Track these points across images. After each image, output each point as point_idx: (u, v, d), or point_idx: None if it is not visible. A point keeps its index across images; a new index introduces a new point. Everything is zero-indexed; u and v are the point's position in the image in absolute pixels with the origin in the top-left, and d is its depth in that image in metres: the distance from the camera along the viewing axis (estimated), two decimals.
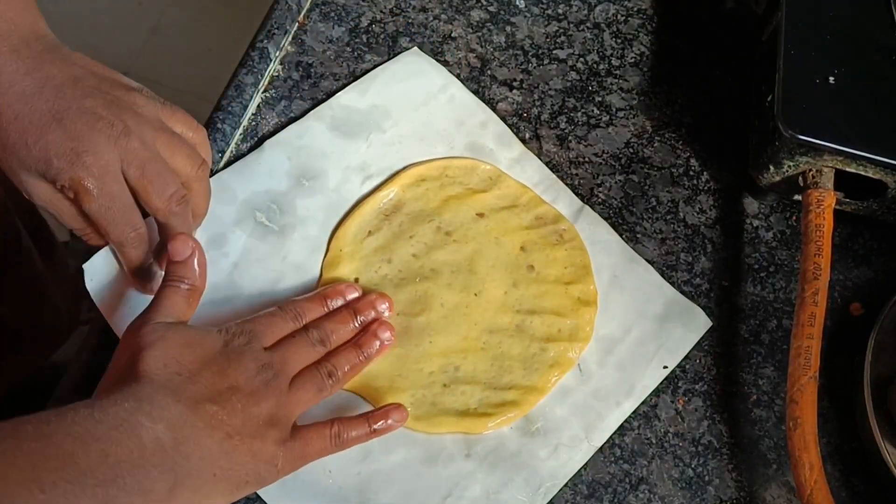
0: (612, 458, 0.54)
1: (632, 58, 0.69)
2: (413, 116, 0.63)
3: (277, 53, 0.64)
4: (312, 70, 0.64)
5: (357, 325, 0.53)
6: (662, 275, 0.60)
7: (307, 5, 0.66)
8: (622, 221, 0.62)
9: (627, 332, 0.57)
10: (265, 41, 0.63)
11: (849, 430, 0.57)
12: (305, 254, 0.57)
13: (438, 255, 0.58)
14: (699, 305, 0.59)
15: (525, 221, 0.59)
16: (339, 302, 0.54)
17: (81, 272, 0.53)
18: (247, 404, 0.45)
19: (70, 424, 0.40)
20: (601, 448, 0.54)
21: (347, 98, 0.62)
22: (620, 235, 0.61)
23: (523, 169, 0.62)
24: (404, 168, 0.61)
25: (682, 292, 0.60)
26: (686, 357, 0.58)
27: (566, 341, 0.56)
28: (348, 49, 0.65)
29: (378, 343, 0.53)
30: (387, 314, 0.55)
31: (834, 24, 0.60)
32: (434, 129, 0.62)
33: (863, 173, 0.57)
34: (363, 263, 0.57)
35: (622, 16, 0.71)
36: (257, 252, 0.56)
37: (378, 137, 0.61)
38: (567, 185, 0.62)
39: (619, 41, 0.69)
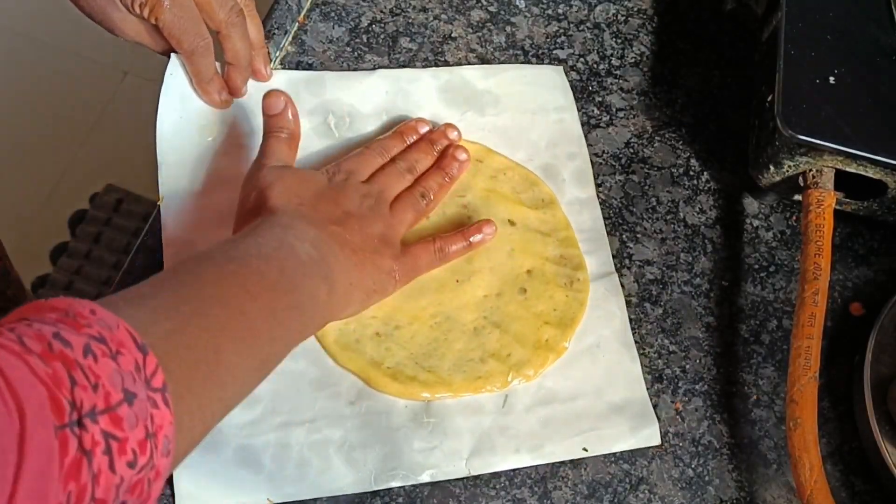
0: (612, 458, 0.54)
1: (632, 58, 0.69)
2: (516, 117, 0.64)
3: (277, 53, 0.64)
4: (313, 70, 0.64)
5: (436, 152, 0.59)
6: (663, 275, 0.60)
7: (307, 5, 0.66)
8: (622, 221, 0.62)
9: (573, 398, 0.55)
10: (265, 41, 0.63)
11: (849, 430, 0.57)
12: None
13: (448, 227, 0.58)
14: (697, 307, 0.59)
15: (549, 252, 0.59)
16: (415, 136, 0.59)
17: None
18: (361, 226, 0.52)
19: (247, 252, 0.46)
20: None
21: (471, 74, 0.65)
22: (620, 235, 0.61)
23: (580, 212, 0.61)
24: (475, 142, 0.62)
25: (682, 292, 0.60)
26: (686, 357, 0.58)
27: (506, 367, 0.54)
28: (348, 49, 0.65)
29: (457, 164, 0.59)
30: (457, 139, 0.60)
31: (834, 24, 0.60)
32: (527, 137, 0.63)
33: (863, 173, 0.57)
34: None
35: (622, 16, 0.71)
36: (309, 143, 0.59)
37: (474, 117, 0.63)
38: None
39: (619, 41, 0.69)
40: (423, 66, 0.65)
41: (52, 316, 0.33)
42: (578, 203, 0.61)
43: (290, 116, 0.56)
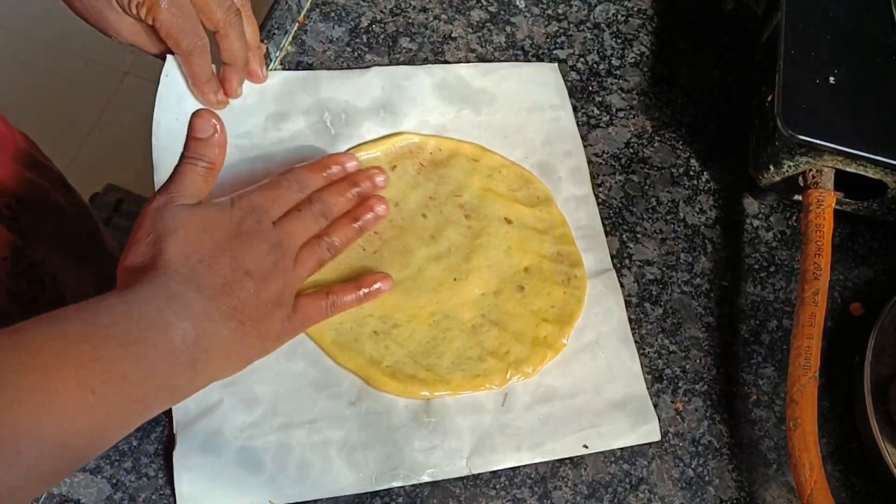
0: (612, 458, 0.54)
1: (632, 58, 0.69)
2: (512, 115, 0.64)
3: (277, 54, 0.64)
4: (312, 70, 0.64)
5: (355, 194, 0.56)
6: (662, 275, 0.60)
7: (307, 5, 0.66)
8: (622, 221, 0.62)
9: (573, 395, 0.55)
10: (265, 41, 0.63)
11: (849, 430, 0.57)
12: None
13: (446, 227, 0.58)
14: (697, 307, 0.59)
15: (546, 250, 0.59)
16: (337, 170, 0.56)
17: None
18: (258, 289, 0.48)
19: (109, 326, 0.42)
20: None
21: (466, 72, 0.65)
22: (620, 235, 0.61)
23: (577, 209, 0.61)
24: (470, 142, 0.62)
25: (682, 292, 0.60)
26: (686, 357, 0.58)
27: (505, 365, 0.54)
28: (348, 49, 0.65)
29: (372, 215, 0.55)
30: (382, 187, 0.57)
31: (834, 24, 0.60)
32: (522, 135, 0.63)
33: (863, 173, 0.57)
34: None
35: (622, 16, 0.71)
36: (305, 142, 0.60)
37: (469, 115, 0.63)
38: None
39: (619, 41, 0.69)
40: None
41: None
42: (575, 200, 0.61)
43: (216, 145, 0.50)
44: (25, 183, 0.68)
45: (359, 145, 0.60)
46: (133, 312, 0.44)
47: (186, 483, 0.49)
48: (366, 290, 0.54)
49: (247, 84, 0.60)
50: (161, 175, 0.57)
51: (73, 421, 0.40)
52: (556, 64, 0.67)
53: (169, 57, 0.58)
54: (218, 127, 0.50)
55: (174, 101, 0.58)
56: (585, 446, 0.53)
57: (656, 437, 0.54)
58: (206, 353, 0.46)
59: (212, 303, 0.46)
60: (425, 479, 0.51)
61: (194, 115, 0.50)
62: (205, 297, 0.46)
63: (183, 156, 0.50)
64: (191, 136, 0.50)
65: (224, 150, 0.51)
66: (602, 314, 0.57)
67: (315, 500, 0.50)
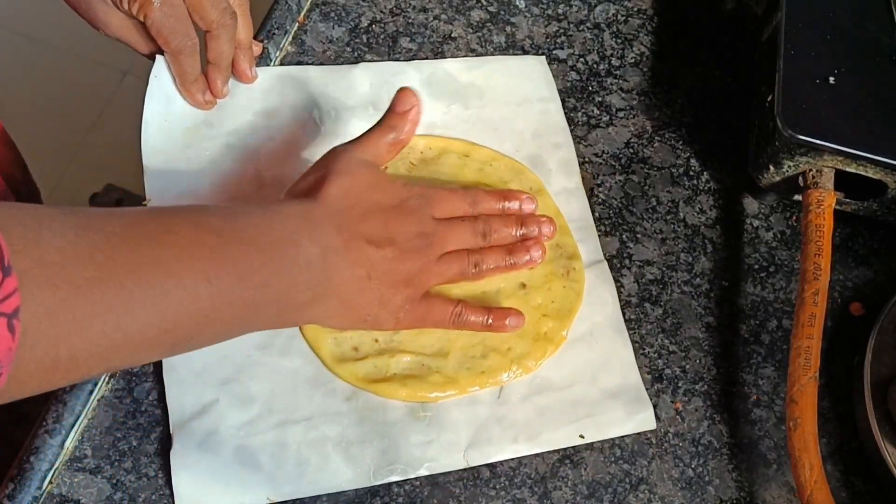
0: (612, 458, 0.54)
1: (632, 58, 0.69)
2: (501, 109, 0.64)
3: (277, 53, 0.64)
4: None
5: (519, 234, 0.56)
6: (662, 275, 0.60)
7: (307, 5, 0.66)
8: (622, 221, 0.62)
9: (569, 386, 0.55)
10: (265, 41, 0.63)
11: (849, 430, 0.57)
12: None
13: None
14: (697, 307, 0.59)
15: (546, 241, 0.59)
16: (515, 206, 0.57)
17: None
18: (396, 258, 0.49)
19: (244, 228, 0.45)
20: (601, 448, 0.54)
21: (453, 67, 0.65)
22: (620, 235, 0.61)
23: (568, 201, 0.61)
24: (459, 138, 0.62)
25: (682, 292, 0.60)
26: (686, 357, 0.58)
27: (508, 361, 0.54)
28: (348, 49, 0.65)
29: (528, 258, 0.55)
30: (549, 237, 0.57)
31: (834, 24, 0.60)
32: (511, 128, 0.63)
33: (863, 173, 0.57)
34: None
35: (622, 16, 0.71)
36: (293, 136, 0.60)
37: (458, 110, 0.63)
38: None
39: (619, 41, 0.69)
40: None
41: None
42: (566, 193, 0.61)
43: (410, 121, 0.53)
44: None
45: None
46: (268, 223, 0.45)
47: (184, 482, 0.49)
48: (492, 320, 0.53)
49: (238, 84, 0.60)
50: (151, 175, 0.57)
51: (182, 302, 0.41)
52: (544, 56, 0.67)
53: (159, 57, 0.58)
54: (416, 103, 0.53)
55: (163, 102, 0.58)
56: (582, 436, 0.53)
57: (651, 425, 0.55)
58: (328, 283, 0.47)
59: (346, 243, 0.48)
60: (423, 472, 0.51)
61: (400, 89, 0.53)
62: (342, 236, 0.48)
63: (379, 123, 0.53)
64: (391, 108, 0.53)
65: (415, 128, 0.54)
66: (596, 305, 0.58)
67: (315, 499, 0.50)
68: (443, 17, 0.68)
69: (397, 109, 0.53)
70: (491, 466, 0.53)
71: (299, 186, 0.50)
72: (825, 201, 0.57)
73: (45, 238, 0.37)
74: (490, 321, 0.54)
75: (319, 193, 0.48)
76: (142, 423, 0.51)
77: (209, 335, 0.45)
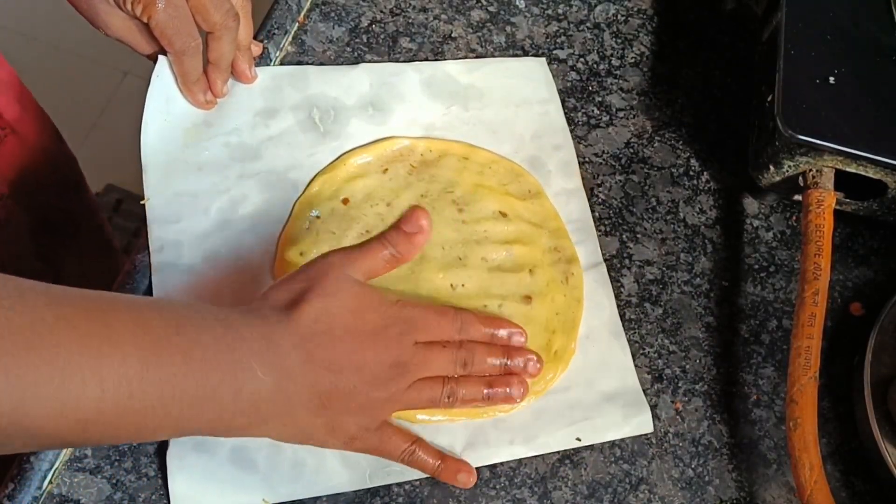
0: (612, 458, 0.54)
1: (632, 58, 0.69)
2: (500, 110, 0.64)
3: (277, 53, 0.64)
4: None
5: (503, 365, 0.52)
6: (662, 275, 0.60)
7: (307, 5, 0.66)
8: (622, 221, 0.62)
9: (566, 389, 0.55)
10: (265, 41, 0.63)
11: (849, 430, 0.57)
12: (328, 159, 0.60)
13: (439, 224, 0.57)
14: (697, 307, 0.59)
15: (544, 244, 0.59)
16: (504, 335, 0.53)
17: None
18: (359, 387, 0.46)
19: (194, 340, 0.41)
20: (601, 448, 0.54)
21: (453, 68, 0.65)
22: (620, 236, 0.61)
23: (567, 202, 0.61)
24: (458, 141, 0.62)
25: (682, 292, 0.60)
26: (686, 357, 0.58)
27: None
28: (348, 49, 0.65)
29: (505, 393, 0.52)
30: (534, 374, 0.53)
31: (834, 24, 0.60)
32: (511, 130, 0.63)
33: (863, 173, 0.57)
34: (364, 194, 0.58)
35: (622, 16, 0.71)
36: (293, 138, 0.60)
37: (458, 111, 0.63)
38: None
39: (619, 41, 0.69)
40: None
41: None
42: (565, 194, 0.61)
43: (415, 245, 0.50)
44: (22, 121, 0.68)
45: (351, 151, 0.60)
46: (224, 341, 0.43)
47: (180, 483, 0.49)
48: (442, 467, 0.51)
49: (238, 84, 0.61)
50: (150, 174, 0.57)
51: (99, 405, 0.38)
52: (544, 58, 0.67)
53: (161, 58, 0.58)
54: (426, 229, 0.50)
55: (163, 102, 0.58)
56: (579, 439, 0.53)
57: (649, 428, 0.54)
58: (271, 412, 0.44)
59: (307, 374, 0.45)
60: (419, 475, 0.51)
61: (411, 207, 0.50)
62: (305, 365, 0.44)
63: (381, 235, 0.50)
64: (398, 225, 0.50)
65: (417, 252, 0.50)
66: (594, 308, 0.58)
67: (315, 499, 0.50)
68: (443, 17, 0.68)
69: (405, 228, 0.49)
70: (491, 467, 0.53)
71: (277, 296, 0.46)
72: (825, 201, 0.57)
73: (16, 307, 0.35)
74: (441, 467, 0.51)
75: (293, 312, 0.45)
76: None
77: (121, 438, 0.42)
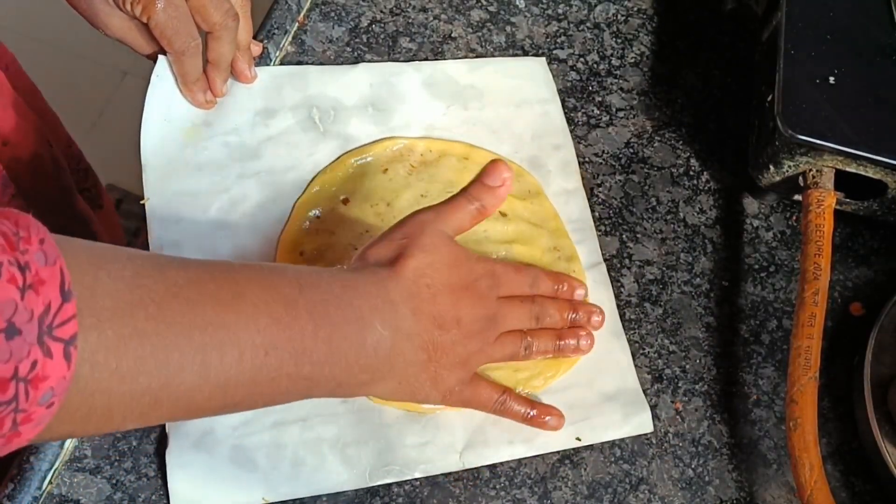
0: (612, 458, 0.54)
1: (632, 58, 0.69)
2: (500, 110, 0.64)
3: (277, 53, 0.64)
4: None
5: (569, 319, 0.56)
6: (662, 275, 0.60)
7: (307, 5, 0.66)
8: (622, 221, 0.62)
9: (566, 389, 0.55)
10: (265, 41, 0.63)
11: (849, 430, 0.57)
12: (328, 159, 0.60)
13: None
14: (697, 307, 0.59)
15: (544, 244, 0.59)
16: (567, 289, 0.57)
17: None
18: (459, 340, 0.49)
19: (317, 302, 0.43)
20: (601, 448, 0.54)
21: (453, 68, 0.65)
22: (620, 235, 0.61)
23: (567, 202, 0.61)
24: (458, 141, 0.62)
25: (682, 292, 0.60)
26: (686, 357, 0.58)
27: (512, 384, 0.54)
28: (348, 49, 0.65)
29: (575, 344, 0.55)
30: (596, 326, 0.56)
31: (834, 24, 0.60)
32: (510, 130, 0.63)
33: (863, 173, 0.57)
34: (363, 194, 0.58)
35: (622, 16, 0.71)
36: (293, 138, 0.60)
37: (458, 111, 0.63)
38: None
39: (619, 41, 0.69)
40: None
41: (3, 225, 0.32)
42: (565, 194, 0.61)
43: (498, 197, 0.51)
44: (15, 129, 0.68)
45: (351, 151, 0.60)
46: (345, 300, 0.44)
47: (180, 482, 0.49)
48: (532, 413, 0.53)
49: (238, 84, 0.61)
50: (150, 174, 0.57)
51: (237, 370, 0.40)
52: (544, 58, 0.67)
53: (161, 57, 0.58)
54: (508, 181, 0.51)
55: (163, 101, 0.58)
56: (578, 439, 0.54)
57: (649, 428, 0.54)
58: (389, 367, 0.46)
59: (418, 327, 0.47)
60: (418, 474, 0.51)
61: (492, 161, 0.51)
62: (415, 319, 0.47)
63: (465, 191, 0.51)
64: (479, 179, 0.51)
65: (501, 203, 0.51)
66: None
67: (315, 499, 0.50)
68: (443, 17, 0.68)
69: (487, 182, 0.50)
70: (491, 467, 0.53)
71: (378, 253, 0.48)
72: (825, 201, 0.57)
73: (100, 280, 0.36)
74: (531, 414, 0.53)
75: (397, 267, 0.47)
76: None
77: (258, 402, 0.44)
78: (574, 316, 0.56)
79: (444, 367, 0.49)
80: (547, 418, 0.53)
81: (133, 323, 0.36)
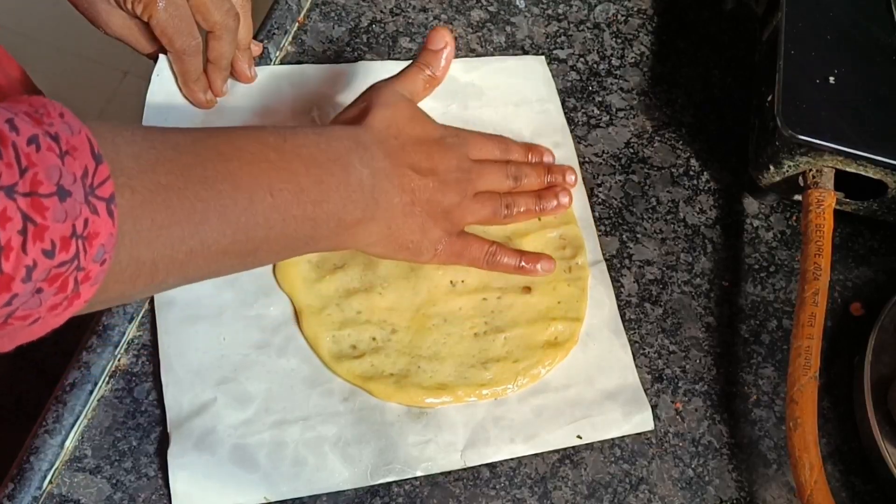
0: (612, 458, 0.54)
1: (632, 58, 0.69)
2: (500, 109, 0.64)
3: (277, 53, 0.64)
4: None
5: (546, 181, 0.58)
6: (662, 275, 0.60)
7: (307, 5, 0.66)
8: (622, 221, 0.62)
9: (566, 387, 0.55)
10: (265, 41, 0.63)
11: (849, 430, 0.57)
12: None
13: None
14: (697, 307, 0.59)
15: (545, 235, 0.59)
16: (537, 158, 0.60)
17: None
18: (436, 188, 0.51)
19: (300, 147, 0.46)
20: (601, 448, 0.54)
21: (453, 67, 0.64)
22: (620, 235, 0.61)
23: None
24: None
25: (682, 292, 0.60)
26: (686, 357, 0.58)
27: (514, 374, 0.54)
28: (348, 49, 0.65)
29: (556, 203, 0.58)
30: (571, 185, 0.59)
31: (834, 24, 0.60)
32: (510, 128, 0.63)
33: (863, 173, 0.57)
34: None
35: (622, 16, 0.71)
36: None
37: (457, 110, 0.63)
38: None
39: (619, 41, 0.69)
40: None
41: (22, 107, 0.34)
42: None
43: (443, 59, 0.55)
44: None
45: None
46: (322, 143, 0.47)
47: (181, 482, 0.49)
48: (524, 263, 0.55)
49: (238, 84, 0.61)
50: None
51: (250, 213, 0.42)
52: (544, 56, 0.67)
53: (162, 56, 0.58)
54: (450, 42, 0.55)
55: (164, 101, 0.58)
56: (579, 437, 0.53)
57: (649, 426, 0.55)
58: (376, 206, 0.48)
59: (393, 168, 0.49)
60: (419, 473, 0.51)
61: (433, 30, 0.55)
62: (390, 162, 0.49)
63: (414, 61, 0.55)
64: (425, 47, 0.55)
65: (448, 66, 0.55)
66: (594, 306, 0.58)
67: (315, 498, 0.51)
68: (443, 17, 0.68)
69: (431, 47, 0.55)
70: (491, 466, 0.53)
71: (344, 116, 0.52)
72: (825, 201, 0.57)
73: (119, 145, 0.38)
74: (522, 263, 0.55)
75: (364, 121, 0.50)
76: (142, 423, 0.51)
77: (274, 249, 0.46)
78: (550, 178, 0.58)
79: (428, 216, 0.51)
80: (538, 265, 0.56)
81: (156, 178, 0.39)
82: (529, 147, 0.60)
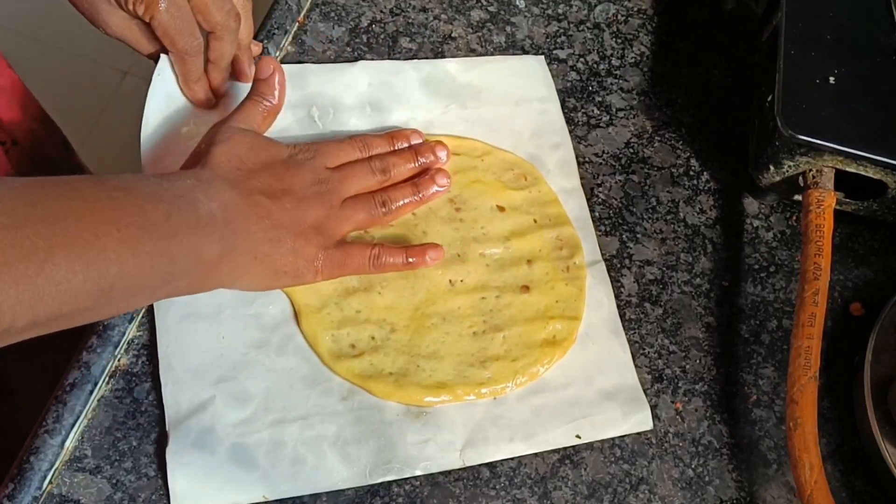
0: (612, 458, 0.54)
1: (632, 58, 0.69)
2: (499, 109, 0.64)
3: (277, 53, 0.64)
4: None
5: (417, 164, 0.57)
6: (662, 275, 0.60)
7: (307, 5, 0.66)
8: (622, 221, 0.62)
9: (565, 387, 0.55)
10: (265, 41, 0.63)
11: (849, 430, 0.57)
12: None
13: (437, 223, 0.58)
14: (697, 307, 0.59)
15: (543, 235, 0.59)
16: (404, 145, 0.58)
17: None
18: (296, 206, 0.50)
19: (143, 186, 0.45)
20: (601, 448, 0.54)
21: (452, 67, 0.65)
22: (620, 235, 0.61)
23: (566, 201, 0.61)
24: (458, 136, 0.62)
25: (682, 292, 0.60)
26: (686, 357, 0.58)
27: (513, 373, 0.54)
28: (348, 49, 0.65)
29: (434, 187, 0.57)
30: (444, 161, 0.58)
31: (834, 24, 0.60)
32: (510, 128, 0.63)
33: (863, 173, 0.57)
34: None
35: (622, 16, 0.71)
36: (292, 136, 0.59)
37: (456, 110, 0.63)
38: None
39: (619, 41, 0.69)
40: None
41: None
42: (564, 193, 0.61)
43: (276, 86, 0.55)
44: (25, 130, 0.68)
45: None
46: (165, 183, 0.46)
47: (180, 481, 0.49)
48: (412, 259, 0.54)
49: (238, 84, 0.61)
50: (149, 172, 0.57)
51: (97, 247, 0.41)
52: (543, 56, 0.67)
53: (163, 56, 0.58)
54: (276, 68, 0.55)
55: (164, 101, 0.58)
56: (578, 436, 0.53)
57: (648, 425, 0.55)
58: (235, 237, 0.47)
59: (244, 198, 0.48)
60: (418, 472, 0.51)
61: (260, 61, 0.55)
62: (238, 192, 0.48)
63: (248, 95, 0.55)
64: (255, 78, 0.56)
65: (283, 91, 0.56)
66: (593, 305, 0.58)
67: (315, 498, 0.51)
68: (443, 17, 0.68)
69: (259, 76, 0.55)
70: (491, 466, 0.53)
71: (185, 164, 0.52)
72: (825, 201, 0.57)
73: None
74: (410, 259, 0.54)
75: (203, 163, 0.50)
76: (142, 423, 0.51)
77: (132, 288, 0.44)
78: (420, 160, 0.57)
79: (297, 236, 0.50)
80: (426, 256, 0.54)
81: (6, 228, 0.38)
82: (392, 135, 0.58)
